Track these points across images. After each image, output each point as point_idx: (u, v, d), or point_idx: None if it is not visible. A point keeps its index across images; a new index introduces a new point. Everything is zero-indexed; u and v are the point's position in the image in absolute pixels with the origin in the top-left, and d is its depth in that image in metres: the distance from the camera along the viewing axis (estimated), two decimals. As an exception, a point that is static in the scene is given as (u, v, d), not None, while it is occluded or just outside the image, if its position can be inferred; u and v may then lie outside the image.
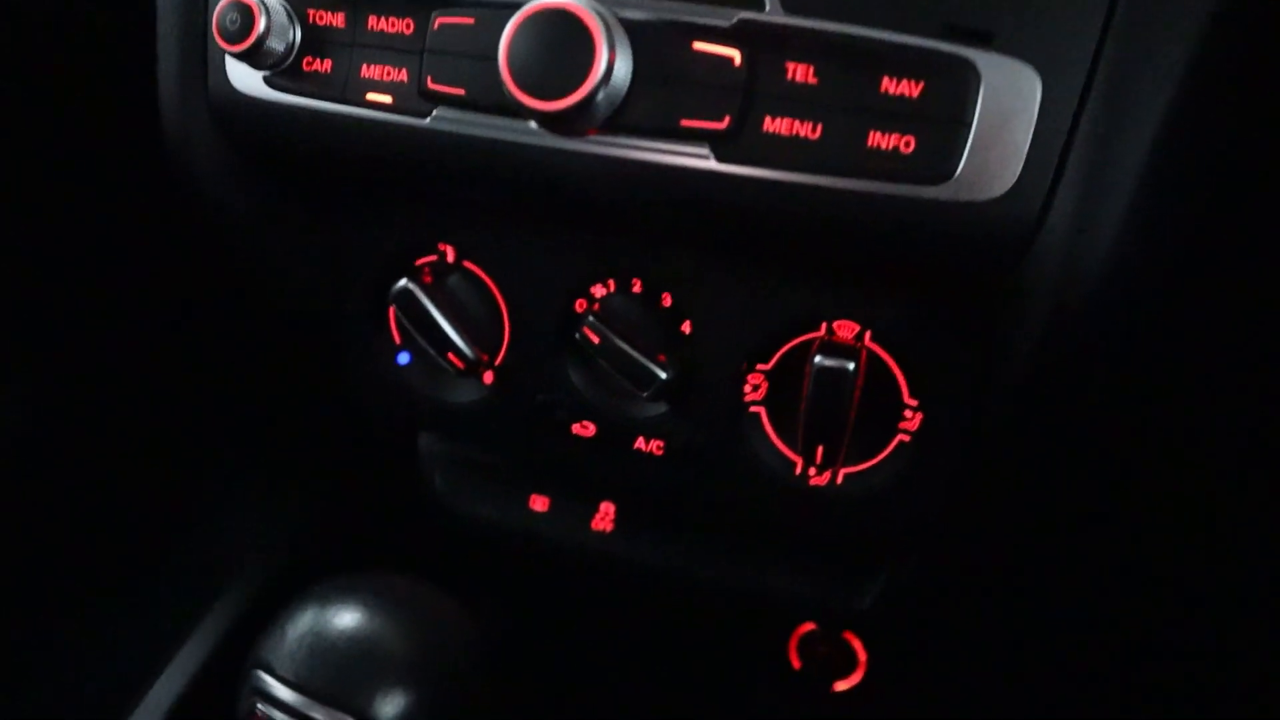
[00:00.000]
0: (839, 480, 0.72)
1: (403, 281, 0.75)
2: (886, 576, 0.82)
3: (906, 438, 0.70)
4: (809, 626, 1.01)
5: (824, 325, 0.69)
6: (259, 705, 0.53)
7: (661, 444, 0.75)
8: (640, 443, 0.76)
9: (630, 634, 0.96)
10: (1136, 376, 0.65)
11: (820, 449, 0.69)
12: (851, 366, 0.67)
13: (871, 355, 0.69)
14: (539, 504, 0.90)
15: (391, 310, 0.78)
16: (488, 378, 0.78)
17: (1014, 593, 0.92)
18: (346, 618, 0.54)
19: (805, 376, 0.68)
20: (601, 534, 0.89)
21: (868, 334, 0.69)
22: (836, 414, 0.68)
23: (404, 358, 0.81)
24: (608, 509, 0.89)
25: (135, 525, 1.13)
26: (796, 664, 1.01)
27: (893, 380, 0.70)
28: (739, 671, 1.00)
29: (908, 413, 0.70)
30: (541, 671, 0.94)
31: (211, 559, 0.91)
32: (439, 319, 0.75)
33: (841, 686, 0.99)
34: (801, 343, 0.70)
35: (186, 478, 1.12)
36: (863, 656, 1.00)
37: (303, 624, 0.54)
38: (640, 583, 0.90)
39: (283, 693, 0.52)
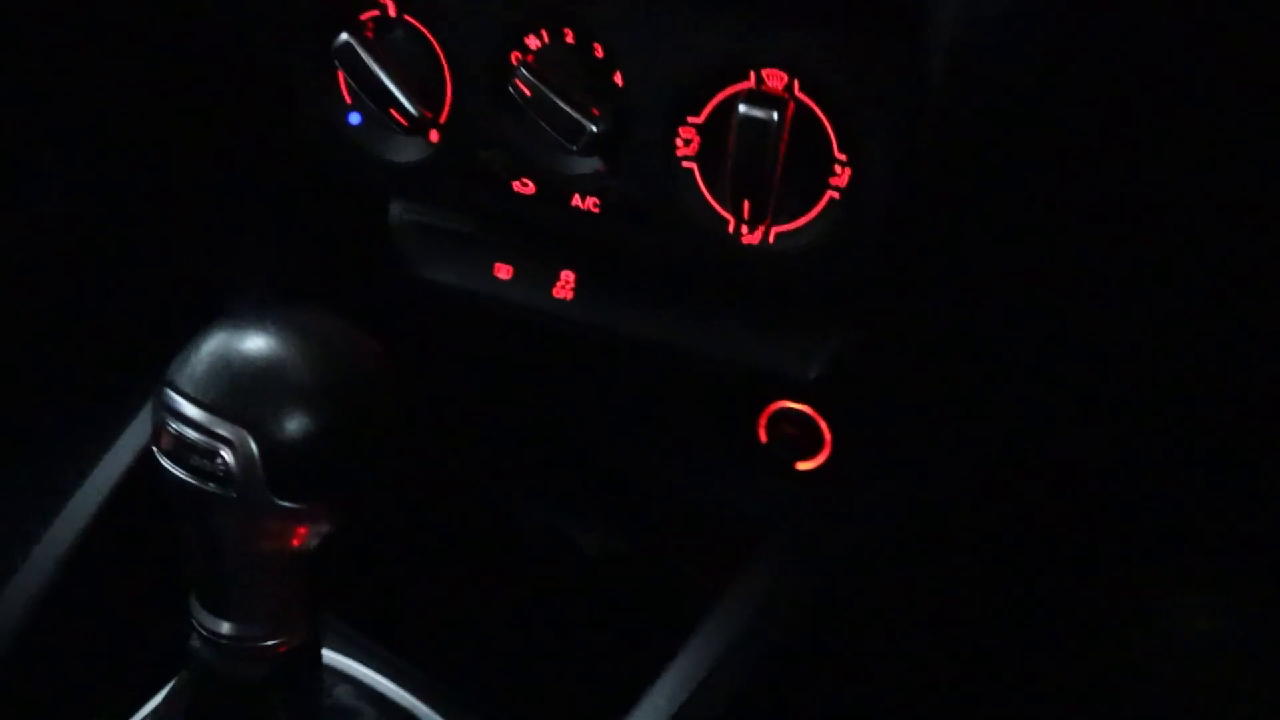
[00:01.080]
0: (770, 239, 0.72)
1: (343, 35, 0.75)
2: (832, 344, 0.83)
3: (836, 195, 0.69)
4: (778, 405, 1.02)
5: (752, 74, 0.68)
6: (168, 421, 0.56)
7: (597, 201, 0.75)
8: (576, 199, 0.76)
9: (590, 403, 0.98)
10: (1051, 112, 0.63)
11: (747, 204, 0.69)
12: (776, 116, 0.65)
13: (801, 107, 0.67)
14: (503, 272, 0.92)
15: (339, 70, 0.78)
16: (433, 136, 0.79)
17: (967, 374, 0.91)
18: (251, 341, 0.56)
19: (730, 128, 0.67)
20: (562, 301, 0.90)
21: (796, 83, 0.67)
22: (761, 167, 0.67)
23: (355, 118, 0.81)
24: (568, 276, 0.90)
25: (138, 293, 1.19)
26: (764, 439, 1.02)
27: (823, 134, 0.68)
28: (703, 447, 1.02)
29: (837, 168, 0.69)
30: (497, 435, 0.98)
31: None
32: (380, 75, 0.75)
33: (804, 466, 1.01)
34: (732, 94, 0.69)
35: (185, 251, 1.16)
36: (828, 436, 1.01)
37: (208, 347, 0.56)
38: (600, 351, 0.92)
39: (187, 408, 0.55)
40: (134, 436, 0.85)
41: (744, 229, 0.72)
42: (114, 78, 1.01)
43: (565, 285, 0.90)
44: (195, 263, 1.03)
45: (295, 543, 0.59)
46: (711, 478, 1.00)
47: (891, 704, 1.02)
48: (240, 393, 0.55)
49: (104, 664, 0.81)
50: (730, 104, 0.69)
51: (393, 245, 0.95)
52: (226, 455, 0.54)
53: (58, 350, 1.10)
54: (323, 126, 0.82)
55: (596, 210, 0.76)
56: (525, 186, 0.77)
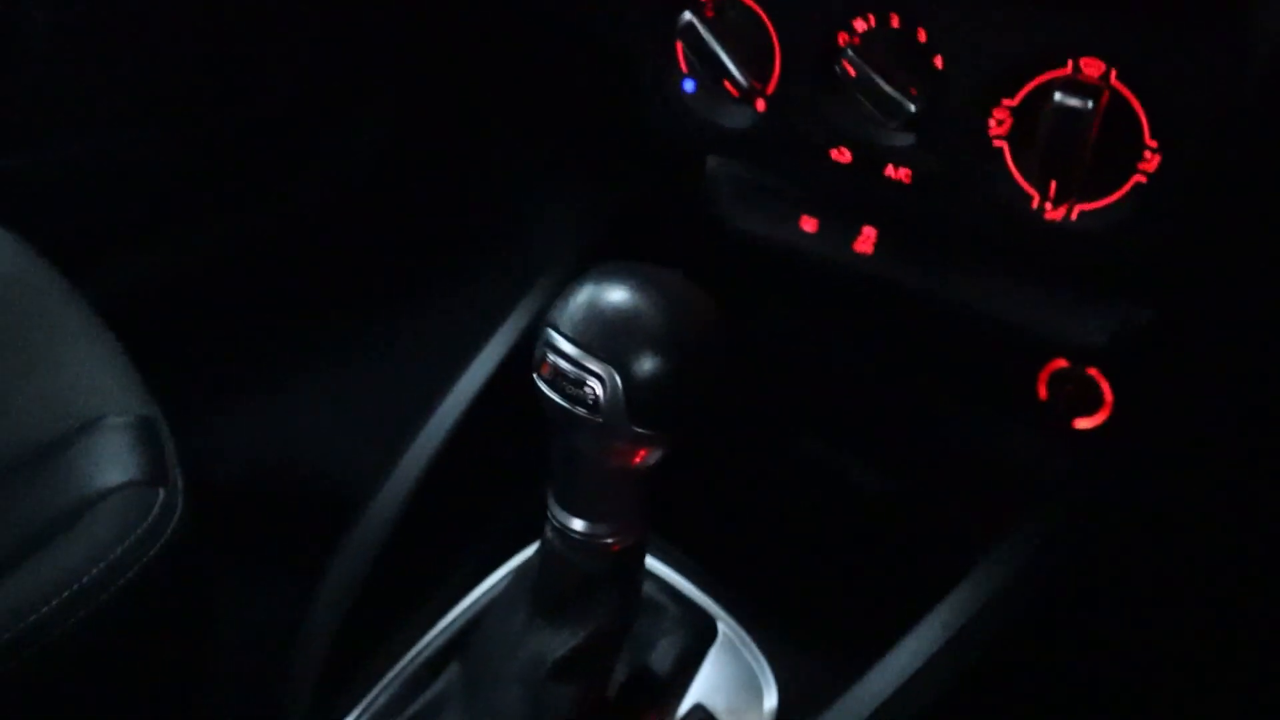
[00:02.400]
0: (1074, 216, 0.77)
1: (686, 15, 0.85)
2: (1122, 316, 0.86)
3: (1143, 178, 0.73)
4: (1060, 363, 1.06)
5: (1070, 63, 0.72)
6: (549, 355, 0.69)
7: (909, 172, 0.82)
8: (890, 170, 0.83)
9: (880, 353, 1.06)
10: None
11: (1054, 183, 0.74)
12: (1090, 105, 0.70)
13: (1115, 95, 0.71)
14: (809, 225, 1.00)
15: (679, 42, 0.88)
16: (759, 105, 0.87)
17: (1258, 358, 0.92)
18: (618, 293, 0.68)
19: (1044, 112, 0.72)
20: (863, 256, 0.98)
21: (1113, 73, 0.71)
22: (1072, 151, 0.72)
23: (689, 85, 0.91)
24: (869, 233, 0.97)
25: (474, 227, 1.36)
26: (1043, 395, 1.06)
27: (1135, 120, 0.72)
28: (985, 399, 1.07)
29: (1147, 154, 0.72)
30: (789, 377, 1.07)
31: (530, 254, 1.11)
32: (717, 49, 0.84)
33: (1082, 424, 1.04)
34: (1048, 80, 0.74)
35: (515, 192, 1.32)
36: (1109, 398, 1.04)
37: (582, 295, 0.69)
38: (895, 304, 0.99)
39: (565, 346, 0.68)
40: (493, 351, 1.01)
41: (1048, 206, 0.77)
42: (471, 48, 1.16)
43: (867, 240, 0.98)
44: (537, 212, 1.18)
45: (639, 460, 0.71)
46: (990, 429, 1.06)
47: (1132, 672, 1.05)
48: (609, 336, 0.67)
49: (466, 537, 0.98)
50: (1045, 89, 0.74)
51: (708, 197, 1.05)
52: (596, 387, 0.67)
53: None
54: (662, 93, 0.92)
55: (908, 181, 0.82)
56: (841, 155, 0.85)
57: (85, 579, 0.92)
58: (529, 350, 0.88)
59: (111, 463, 1.03)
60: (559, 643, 0.78)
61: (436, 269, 1.54)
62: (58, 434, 1.06)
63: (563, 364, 0.68)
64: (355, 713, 0.89)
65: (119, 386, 1.11)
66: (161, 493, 1.00)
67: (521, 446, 0.99)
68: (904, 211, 0.87)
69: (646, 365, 0.66)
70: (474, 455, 0.98)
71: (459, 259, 1.54)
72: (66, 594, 0.92)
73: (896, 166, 0.82)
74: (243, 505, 1.30)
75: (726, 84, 0.85)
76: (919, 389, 1.05)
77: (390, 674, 0.90)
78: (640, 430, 0.67)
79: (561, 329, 0.68)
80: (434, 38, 1.37)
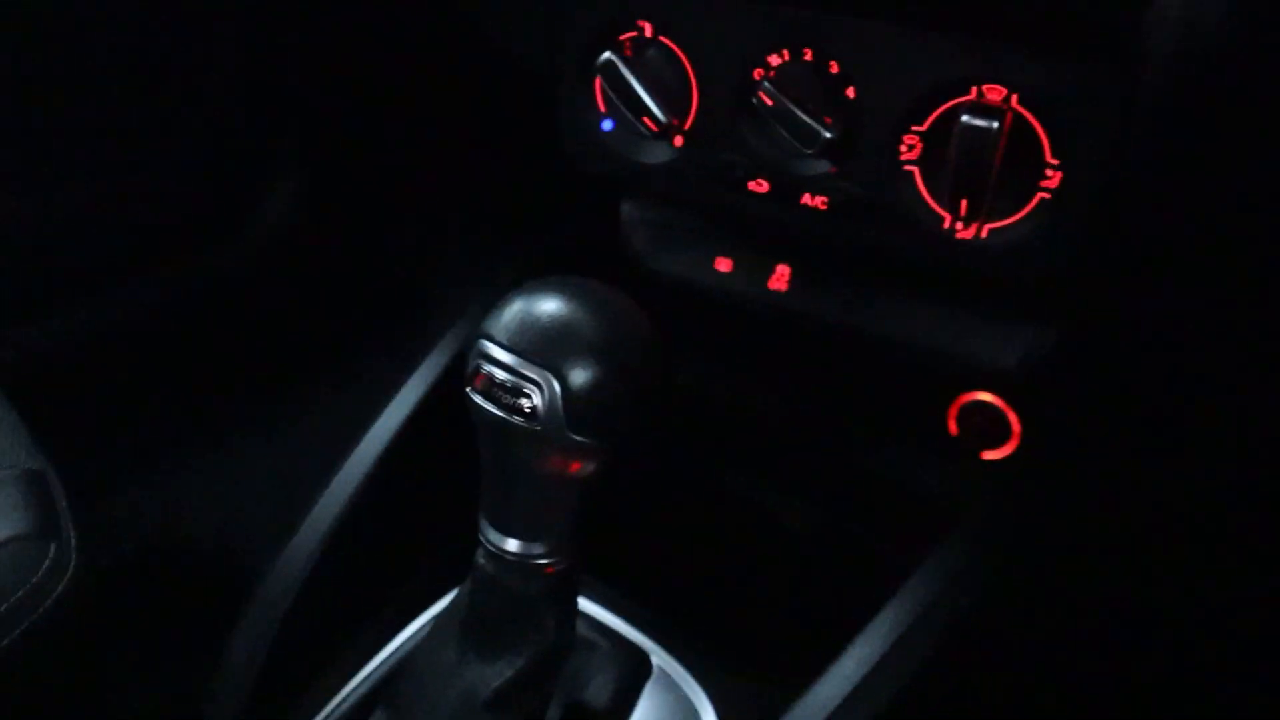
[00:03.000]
0: (983, 234, 0.81)
1: (606, 54, 0.87)
2: (1030, 337, 0.90)
3: (1047, 195, 0.77)
4: (970, 396, 1.10)
5: (974, 90, 0.77)
6: (483, 365, 0.68)
7: (825, 200, 0.85)
8: (806, 198, 0.86)
9: (796, 387, 1.08)
10: (1263, 116, 0.69)
11: (965, 202, 0.78)
12: (995, 125, 0.74)
13: (1017, 117, 0.76)
14: (723, 265, 1.03)
15: (597, 81, 0.91)
16: (677, 141, 0.90)
17: (1160, 375, 0.97)
18: (554, 303, 0.68)
19: (953, 135, 0.76)
20: (777, 293, 1.01)
21: (1014, 97, 0.76)
22: (980, 169, 0.76)
23: (607, 124, 0.93)
24: (783, 270, 1.00)
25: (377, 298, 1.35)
26: (954, 429, 1.10)
27: (1036, 141, 0.76)
28: (897, 434, 1.09)
29: (1049, 171, 0.77)
30: (709, 414, 1.08)
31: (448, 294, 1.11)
32: (637, 88, 0.87)
33: (990, 455, 1.08)
34: (954, 106, 0.78)
35: (434, 236, 1.32)
36: (1016, 428, 1.08)
37: (517, 305, 0.68)
38: (809, 339, 1.01)
39: (500, 354, 0.67)
40: (406, 397, 0.99)
41: (959, 225, 0.81)
42: (381, 80, 1.17)
43: (780, 278, 1.00)
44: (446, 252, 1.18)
45: (575, 470, 0.70)
46: (903, 462, 1.08)
47: (1052, 694, 1.07)
48: (547, 343, 0.66)
49: (396, 570, 0.95)
50: (951, 114, 0.78)
51: (624, 240, 1.07)
52: (533, 395, 0.66)
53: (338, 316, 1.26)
54: (581, 131, 0.94)
55: (824, 208, 0.85)
56: (759, 186, 0.88)
57: None
58: (446, 393, 0.88)
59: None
60: (494, 673, 0.76)
61: (341, 338, 1.52)
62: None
63: (498, 373, 0.67)
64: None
65: (4, 438, 1.06)
66: (53, 547, 0.95)
67: (442, 488, 0.97)
68: (820, 239, 0.89)
69: (584, 372, 0.66)
70: (387, 502, 0.96)
71: (363, 328, 1.53)
72: None
73: (813, 194, 0.85)
74: (137, 579, 1.24)
75: (646, 120, 0.88)
76: (835, 423, 1.07)
77: (310, 727, 0.85)
78: (578, 438, 0.67)
79: (496, 338, 0.67)
80: (343, 90, 1.38)
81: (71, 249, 1.46)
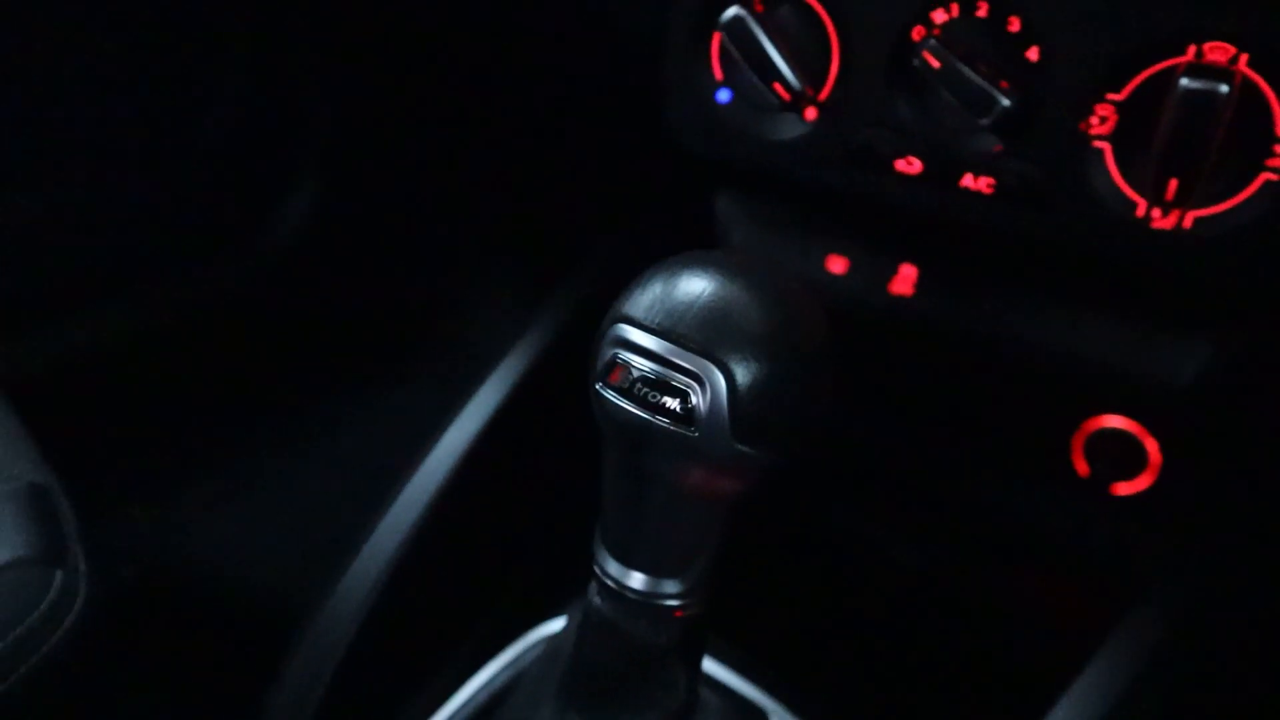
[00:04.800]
0: (1186, 223, 0.68)
1: (734, 9, 0.75)
2: (1214, 347, 0.78)
3: (1275, 176, 0.65)
4: (1099, 423, 0.97)
5: (1191, 48, 0.65)
6: (621, 354, 0.54)
7: (992, 181, 0.73)
8: (969, 179, 0.73)
9: (913, 409, 0.95)
10: None
11: (1174, 183, 0.66)
12: (1224, 89, 0.62)
13: (1245, 81, 0.64)
14: (837, 265, 0.90)
15: (715, 44, 0.78)
16: (809, 114, 0.78)
17: None
18: (706, 281, 0.54)
19: (1165, 104, 0.64)
20: (900, 297, 0.88)
21: (1244, 58, 0.64)
22: (1200, 143, 0.64)
23: (724, 95, 0.81)
24: (909, 272, 0.87)
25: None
26: (1082, 470, 0.97)
27: (1265, 111, 0.64)
28: (1018, 465, 0.97)
29: (1278, 148, 0.65)
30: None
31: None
32: (769, 48, 0.75)
33: (1123, 490, 0.96)
34: (1162, 70, 0.66)
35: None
36: (1154, 459, 0.95)
37: (666, 284, 0.55)
38: (936, 352, 0.89)
39: (648, 342, 0.53)
40: (496, 385, 0.85)
41: (1156, 213, 0.69)
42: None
43: (905, 280, 0.88)
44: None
45: (728, 490, 0.57)
46: (1028, 499, 0.95)
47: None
48: (709, 329, 0.53)
49: (472, 605, 0.81)
50: (1159, 80, 0.66)
51: (720, 237, 0.94)
52: (691, 392, 0.53)
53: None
54: (690, 103, 0.82)
55: (989, 191, 0.73)
56: (910, 165, 0.75)
57: None
58: (534, 392, 0.74)
59: None
60: None
61: (386, 344, 1.39)
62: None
63: (644, 364, 0.53)
64: None
65: (5, 449, 0.92)
66: (59, 574, 0.82)
67: (526, 508, 0.83)
68: (974, 227, 0.77)
69: (757, 366, 0.52)
70: (462, 524, 0.82)
71: (411, 334, 1.40)
72: None
73: (977, 175, 0.73)
74: (159, 612, 1.09)
75: (777, 86, 0.75)
76: (954, 451, 0.94)
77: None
78: (741, 448, 0.53)
79: (642, 322, 0.54)
80: (374, 81, 1.26)
81: (85, 256, 1.36)
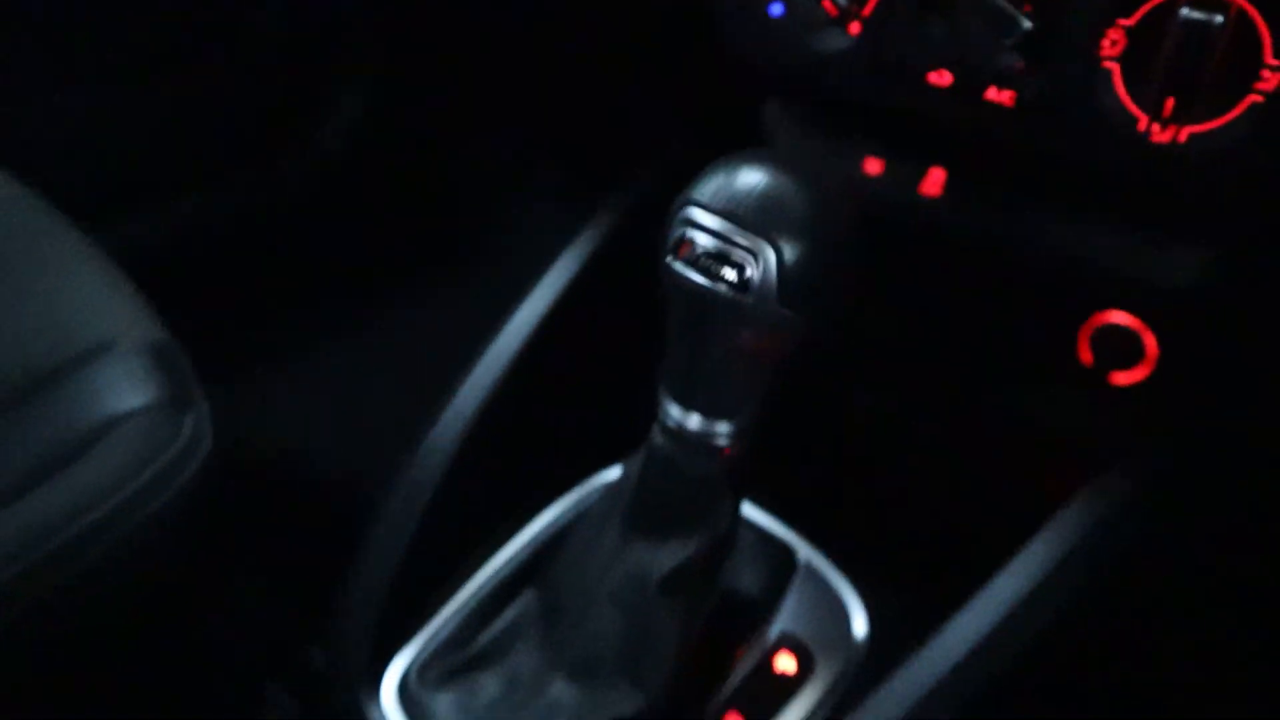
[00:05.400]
0: (1181, 138, 0.78)
1: None
2: (1208, 254, 0.88)
3: (1260, 99, 0.75)
4: (1104, 318, 1.07)
5: (1195, -20, 0.74)
6: (689, 232, 0.66)
7: (1013, 95, 0.82)
8: (992, 92, 0.83)
9: (931, 302, 1.05)
10: None
11: (1171, 102, 0.75)
12: (1219, 20, 0.71)
13: (1240, 13, 0.73)
14: (873, 166, 1.00)
15: None
16: (853, 28, 0.87)
17: None
18: (762, 173, 0.66)
19: (1168, 30, 0.73)
20: (928, 198, 0.98)
21: (1239, -10, 0.73)
22: (1196, 66, 0.73)
23: (776, 8, 0.90)
24: (937, 175, 0.97)
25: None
26: (1085, 355, 1.07)
27: (1256, 39, 0.73)
28: (1025, 356, 1.06)
29: (1265, 73, 0.74)
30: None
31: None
32: None
33: (1121, 380, 1.05)
34: (1167, 0, 0.75)
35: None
36: (1153, 352, 1.05)
37: (729, 175, 0.66)
38: (956, 249, 0.99)
39: (714, 222, 0.65)
40: (554, 280, 0.97)
41: (1155, 128, 0.78)
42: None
43: (934, 182, 0.98)
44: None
45: (773, 346, 0.69)
46: (1035, 383, 1.05)
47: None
48: (764, 213, 0.64)
49: (544, 452, 0.93)
50: (1164, 9, 0.75)
51: (766, 140, 1.04)
52: (747, 265, 0.64)
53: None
54: (745, 15, 0.91)
55: (1010, 104, 0.83)
56: (941, 78, 0.85)
57: (108, 506, 0.84)
58: (587, 289, 0.85)
59: (129, 386, 0.95)
60: (665, 556, 0.74)
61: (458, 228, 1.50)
62: (61, 360, 0.97)
63: (708, 241, 0.65)
64: (413, 649, 0.83)
65: (129, 312, 1.03)
66: (189, 420, 0.93)
67: (589, 372, 0.95)
68: (994, 139, 0.87)
69: (801, 244, 0.64)
70: (539, 382, 0.94)
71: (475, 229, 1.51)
72: (86, 521, 0.83)
73: (1001, 88, 0.83)
74: (259, 471, 1.22)
75: (825, 3, 0.85)
76: (968, 338, 1.04)
77: (452, 607, 0.84)
78: (786, 312, 0.65)
79: (711, 206, 0.65)
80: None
81: (168, 145, 1.44)
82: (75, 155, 1.39)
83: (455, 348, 0.97)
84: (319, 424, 1.38)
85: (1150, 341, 1.03)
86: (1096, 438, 1.03)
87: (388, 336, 1.47)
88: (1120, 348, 1.03)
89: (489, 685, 0.79)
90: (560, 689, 0.76)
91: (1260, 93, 0.74)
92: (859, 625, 0.84)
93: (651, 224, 0.73)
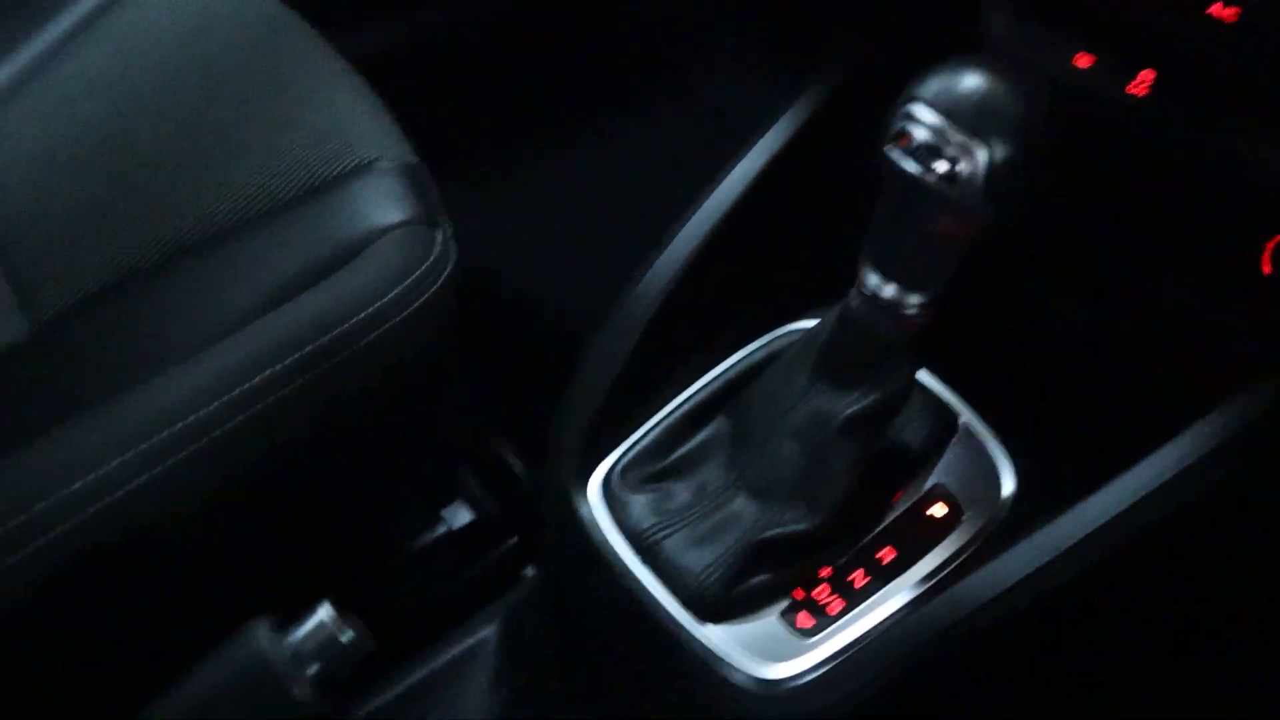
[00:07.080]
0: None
1: None
2: None
3: None
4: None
5: None
6: (909, 125, 0.75)
7: (1237, 11, 0.86)
8: (1217, 7, 0.86)
9: (1130, 194, 1.09)
10: None
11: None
12: None
13: None
14: (1084, 60, 1.04)
15: None
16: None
17: None
18: (981, 77, 0.73)
19: None
20: (1134, 97, 1.02)
21: None
22: None
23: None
24: (1146, 75, 1.01)
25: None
26: (1268, 269, 1.09)
27: None
28: (1212, 258, 1.10)
29: None
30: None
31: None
32: None
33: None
34: None
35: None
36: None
37: (951, 77, 0.74)
38: (1160, 151, 1.03)
39: (933, 119, 0.73)
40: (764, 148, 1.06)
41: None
42: None
43: (1142, 83, 1.01)
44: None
45: (968, 233, 0.78)
46: (1214, 288, 1.09)
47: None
48: (981, 115, 0.72)
49: (748, 293, 1.06)
50: None
51: (984, 24, 1.08)
52: (960, 161, 0.73)
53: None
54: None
55: (1233, 20, 0.86)
56: (1167, -13, 0.88)
57: (386, 298, 0.98)
58: (808, 145, 0.93)
59: (390, 202, 1.09)
60: (846, 404, 0.86)
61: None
62: (335, 171, 1.11)
63: (926, 135, 0.73)
64: (616, 455, 0.97)
65: (387, 133, 1.16)
66: (440, 235, 1.06)
67: (794, 231, 1.05)
68: (1210, 51, 0.90)
69: (1011, 147, 0.72)
70: (744, 237, 1.04)
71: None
72: (367, 311, 0.98)
73: (1226, 4, 0.86)
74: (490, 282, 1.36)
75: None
76: (1155, 239, 1.09)
77: (653, 423, 0.98)
78: (988, 205, 0.74)
79: (932, 102, 0.73)
80: None
81: None
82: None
83: (675, 175, 1.07)
84: (542, 246, 1.51)
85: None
86: (1261, 345, 1.08)
87: (610, 162, 1.58)
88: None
89: (679, 492, 0.92)
90: (741, 503, 0.89)
91: None
92: (1007, 485, 0.94)
93: (864, 104, 0.81)
